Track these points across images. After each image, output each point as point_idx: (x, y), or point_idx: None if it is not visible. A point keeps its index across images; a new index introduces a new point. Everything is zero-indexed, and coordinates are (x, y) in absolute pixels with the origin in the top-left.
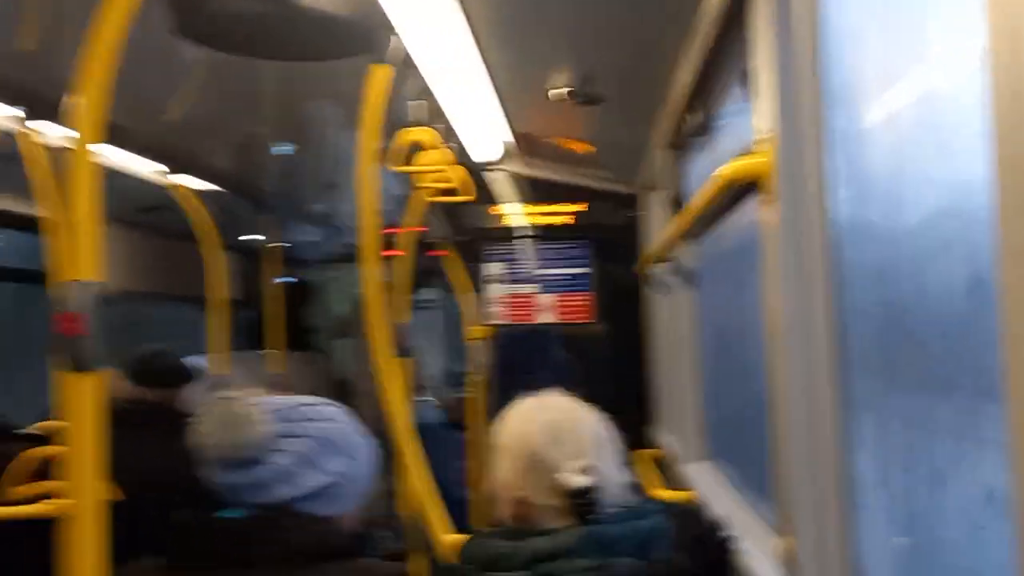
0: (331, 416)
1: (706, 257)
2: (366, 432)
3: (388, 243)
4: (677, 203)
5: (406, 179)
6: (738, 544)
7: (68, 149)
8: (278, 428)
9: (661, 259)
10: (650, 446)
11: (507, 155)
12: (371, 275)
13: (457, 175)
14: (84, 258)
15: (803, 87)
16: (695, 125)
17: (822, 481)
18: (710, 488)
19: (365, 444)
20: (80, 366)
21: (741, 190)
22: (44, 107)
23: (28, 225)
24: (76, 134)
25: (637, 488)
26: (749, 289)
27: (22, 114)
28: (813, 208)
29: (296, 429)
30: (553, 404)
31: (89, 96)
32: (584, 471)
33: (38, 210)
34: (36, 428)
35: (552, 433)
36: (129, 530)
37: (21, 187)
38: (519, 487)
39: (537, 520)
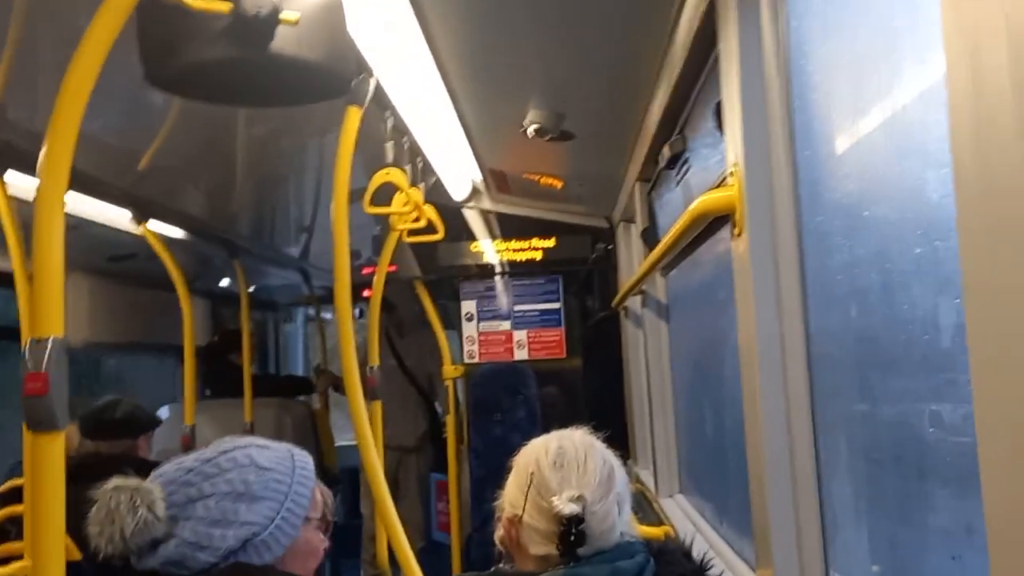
0: (249, 460)
1: (679, 289)
2: (299, 465)
3: (362, 284)
4: (650, 236)
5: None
6: None
7: (33, 202)
8: (184, 495)
9: (635, 292)
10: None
11: (481, 192)
12: (344, 316)
13: (429, 215)
14: (48, 314)
15: (773, 119)
16: (667, 158)
17: (801, 512)
18: (684, 523)
19: (295, 478)
20: (43, 426)
21: (714, 222)
22: (14, 158)
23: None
24: (40, 184)
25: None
26: (723, 320)
27: None
28: (785, 238)
29: (205, 488)
30: (571, 435)
31: (56, 144)
32: (577, 500)
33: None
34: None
35: (558, 459)
36: None
37: None
38: (517, 505)
39: (525, 543)
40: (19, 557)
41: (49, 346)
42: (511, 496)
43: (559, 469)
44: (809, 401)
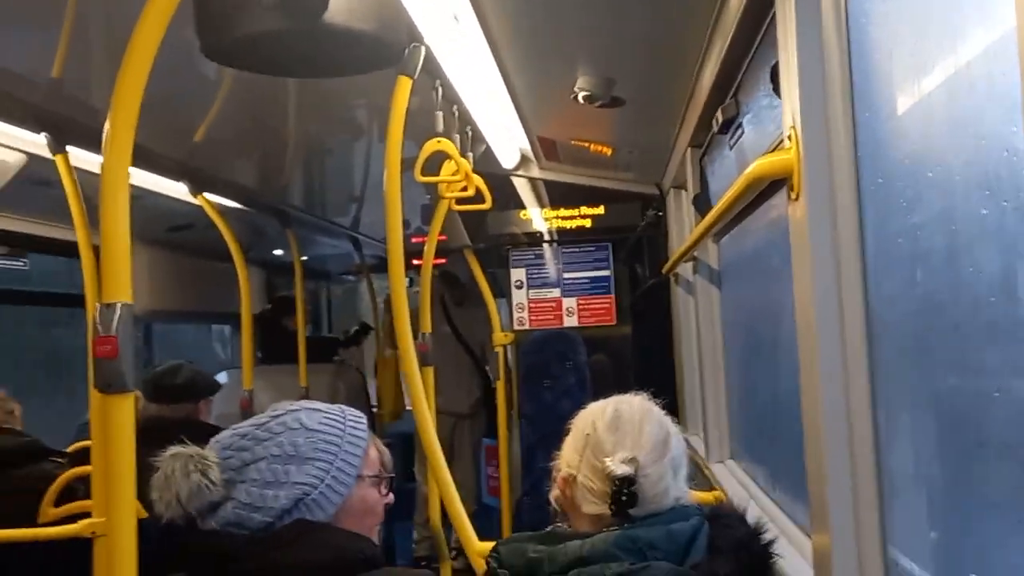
0: (300, 424)
1: (732, 255)
2: (350, 425)
3: (412, 253)
4: (702, 202)
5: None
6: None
7: (99, 174)
8: (239, 459)
9: (686, 259)
10: None
11: (530, 160)
12: (397, 285)
13: (479, 184)
14: (116, 281)
15: (832, 80)
16: (720, 123)
17: (859, 477)
18: (736, 487)
19: (345, 438)
20: (113, 388)
21: (770, 187)
22: (76, 133)
23: (61, 249)
24: (105, 158)
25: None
26: (776, 286)
27: (54, 141)
28: (844, 201)
29: (258, 452)
30: (630, 400)
31: (119, 121)
32: (629, 462)
33: (72, 234)
34: (69, 449)
35: (615, 421)
36: (154, 548)
37: (54, 212)
38: (572, 465)
39: (579, 502)
40: (87, 515)
41: (118, 311)
42: (567, 456)
43: (615, 431)
44: (868, 367)
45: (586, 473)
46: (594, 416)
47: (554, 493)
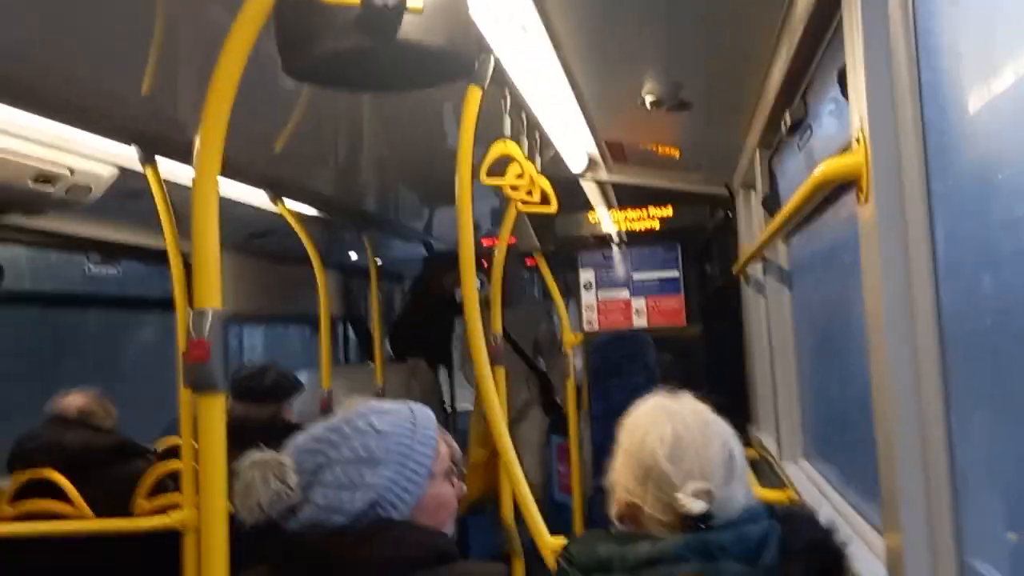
0: (370, 427)
1: (802, 255)
2: (420, 424)
3: (484, 255)
4: (771, 203)
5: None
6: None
7: (188, 186)
8: (314, 462)
9: (756, 259)
10: (747, 445)
11: (598, 163)
12: (468, 287)
13: (544, 186)
14: (207, 288)
15: (900, 82)
16: (789, 124)
17: (932, 476)
18: (809, 487)
19: (416, 438)
20: (206, 389)
21: (839, 188)
22: (165, 146)
23: (151, 257)
24: (196, 170)
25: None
26: (848, 285)
27: (144, 154)
28: (913, 204)
29: (332, 455)
30: (682, 415)
31: (209, 135)
32: (703, 495)
33: (162, 242)
34: (158, 445)
35: (675, 448)
36: (243, 546)
37: (145, 221)
38: (635, 494)
39: (645, 523)
40: (178, 507)
41: (209, 317)
42: (626, 482)
43: (678, 461)
44: (940, 369)
45: (654, 506)
46: (652, 444)
47: (615, 512)
